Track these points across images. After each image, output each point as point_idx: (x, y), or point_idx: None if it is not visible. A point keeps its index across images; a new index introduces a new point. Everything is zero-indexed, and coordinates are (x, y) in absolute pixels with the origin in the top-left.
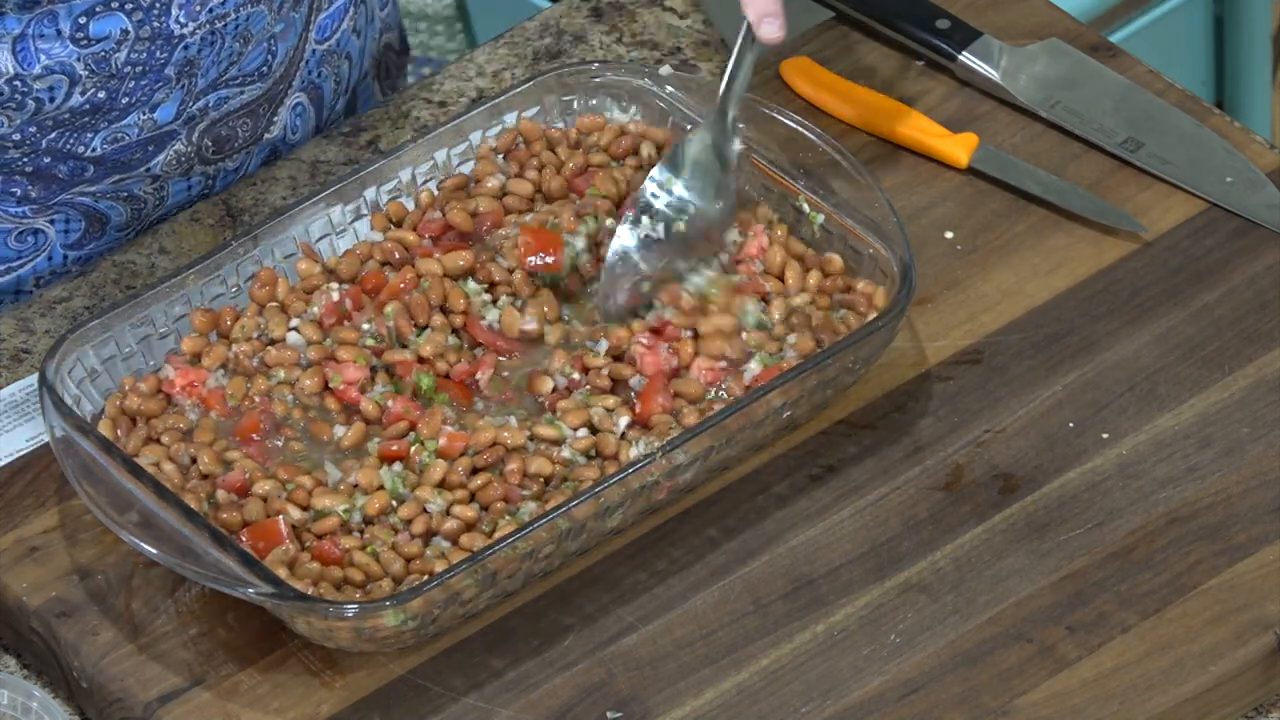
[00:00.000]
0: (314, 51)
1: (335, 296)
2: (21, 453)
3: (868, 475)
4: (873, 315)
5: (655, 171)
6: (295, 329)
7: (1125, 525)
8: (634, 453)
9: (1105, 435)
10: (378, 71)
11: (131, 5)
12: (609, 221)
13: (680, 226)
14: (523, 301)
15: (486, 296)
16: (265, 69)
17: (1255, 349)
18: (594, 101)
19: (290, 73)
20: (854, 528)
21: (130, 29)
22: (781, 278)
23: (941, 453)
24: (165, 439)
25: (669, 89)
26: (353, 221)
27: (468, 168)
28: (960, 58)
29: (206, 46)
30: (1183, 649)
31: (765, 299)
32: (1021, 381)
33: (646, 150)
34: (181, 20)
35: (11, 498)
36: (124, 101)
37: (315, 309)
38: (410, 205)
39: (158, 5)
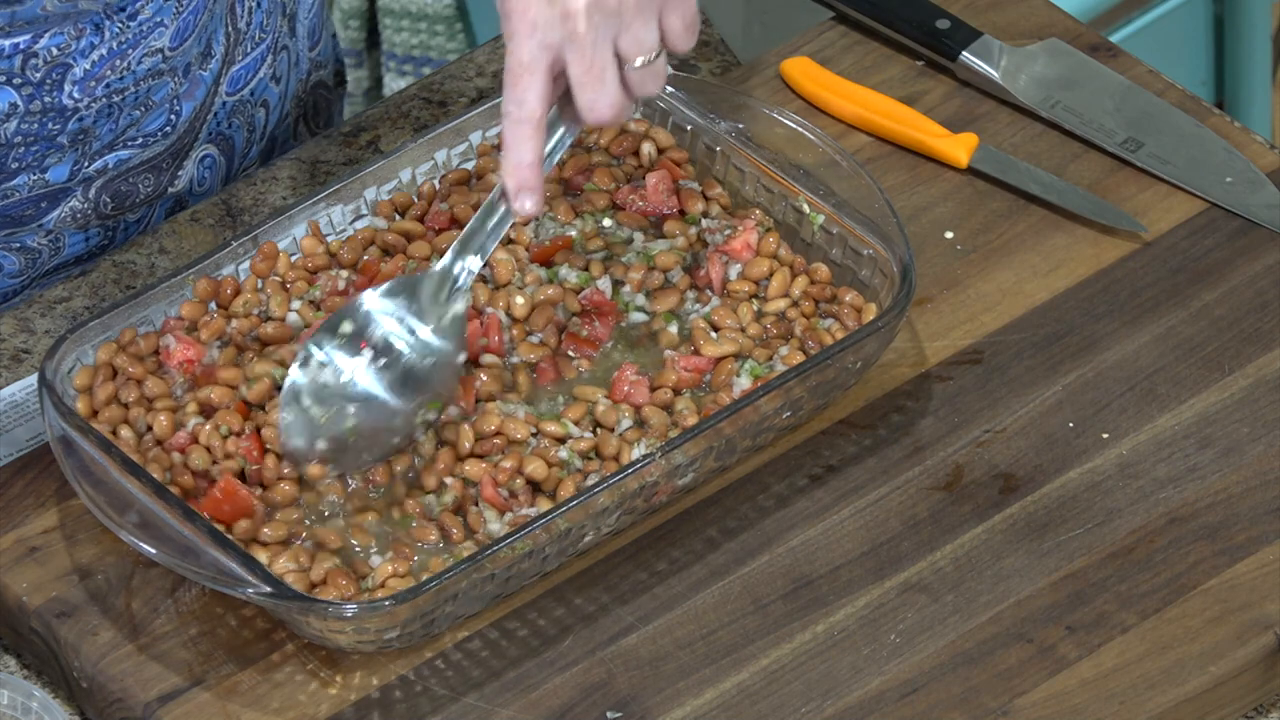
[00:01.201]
0: (224, 104)
1: (341, 285)
2: (21, 453)
3: (868, 475)
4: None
5: (372, 297)
6: (296, 311)
7: (1125, 525)
8: (634, 454)
9: (1105, 435)
10: (304, 111)
11: (20, 80)
12: (606, 221)
13: (413, 360)
14: (496, 285)
15: None
16: (169, 128)
17: (1255, 349)
18: None
19: (196, 127)
20: (854, 528)
21: (19, 103)
22: (757, 282)
23: (941, 453)
24: (130, 404)
25: (669, 89)
26: (353, 221)
27: (468, 166)
28: (960, 58)
29: (103, 117)
30: (1183, 649)
31: (732, 297)
32: (1021, 381)
33: (647, 149)
34: (75, 95)
35: (11, 498)
36: (13, 166)
37: (318, 291)
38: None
39: (49, 81)
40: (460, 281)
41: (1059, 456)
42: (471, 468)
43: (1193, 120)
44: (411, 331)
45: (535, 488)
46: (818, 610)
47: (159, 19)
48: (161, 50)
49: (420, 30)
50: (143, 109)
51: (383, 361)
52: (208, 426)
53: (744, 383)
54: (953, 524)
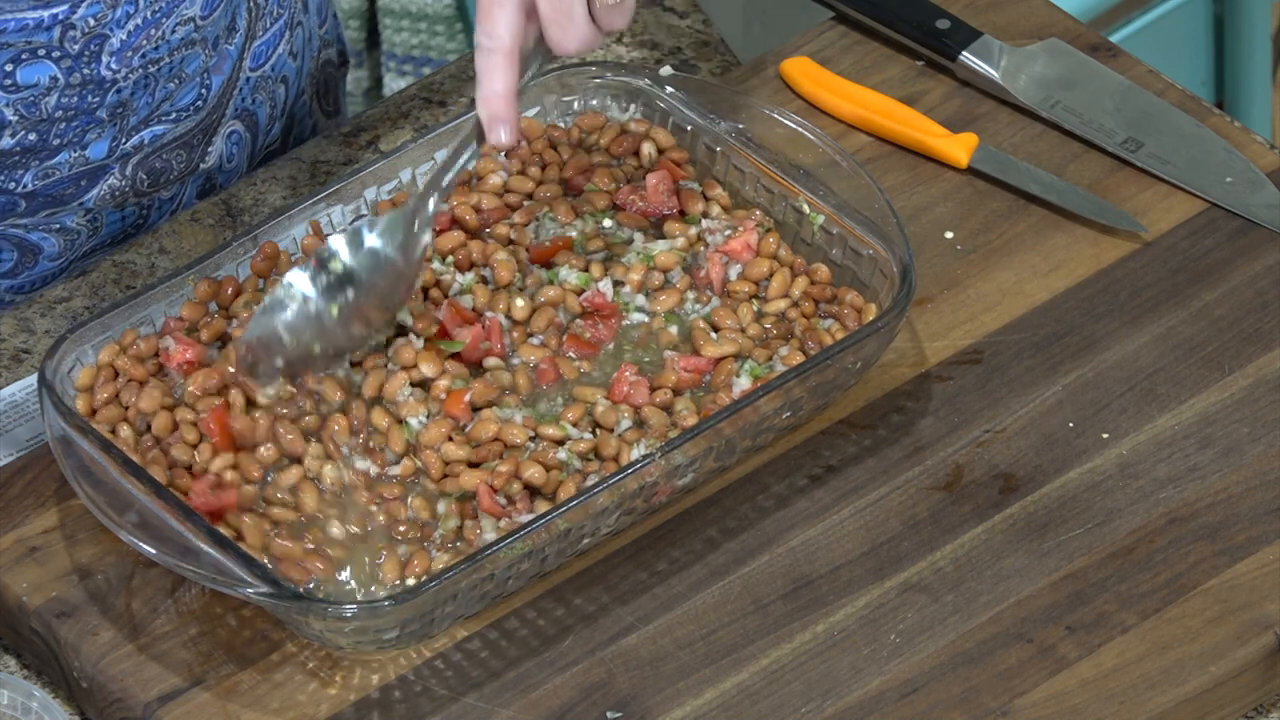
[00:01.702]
0: (248, 79)
1: None
2: (21, 453)
3: (868, 475)
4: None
5: (333, 240)
6: None
7: (1125, 525)
8: (634, 454)
9: (1105, 435)
10: (316, 89)
11: (59, 53)
12: (606, 222)
13: (345, 298)
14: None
15: (458, 275)
16: (200, 102)
17: (1255, 349)
18: (594, 102)
19: (224, 102)
20: (854, 528)
21: (59, 76)
22: (756, 283)
23: (941, 453)
24: (130, 405)
25: (669, 89)
26: (352, 221)
27: (469, 167)
28: (960, 58)
29: (140, 89)
30: (1183, 649)
31: (732, 297)
32: (1021, 381)
33: (648, 149)
34: (113, 67)
35: (11, 498)
36: (55, 143)
37: None
38: None
39: (87, 53)
40: (429, 214)
41: (1059, 456)
42: (466, 479)
43: (1193, 120)
44: (377, 259)
45: (534, 493)
46: (818, 610)
47: None
48: (193, 19)
49: (420, 30)
50: (176, 81)
51: (349, 289)
52: (187, 398)
53: (744, 383)
54: (953, 524)
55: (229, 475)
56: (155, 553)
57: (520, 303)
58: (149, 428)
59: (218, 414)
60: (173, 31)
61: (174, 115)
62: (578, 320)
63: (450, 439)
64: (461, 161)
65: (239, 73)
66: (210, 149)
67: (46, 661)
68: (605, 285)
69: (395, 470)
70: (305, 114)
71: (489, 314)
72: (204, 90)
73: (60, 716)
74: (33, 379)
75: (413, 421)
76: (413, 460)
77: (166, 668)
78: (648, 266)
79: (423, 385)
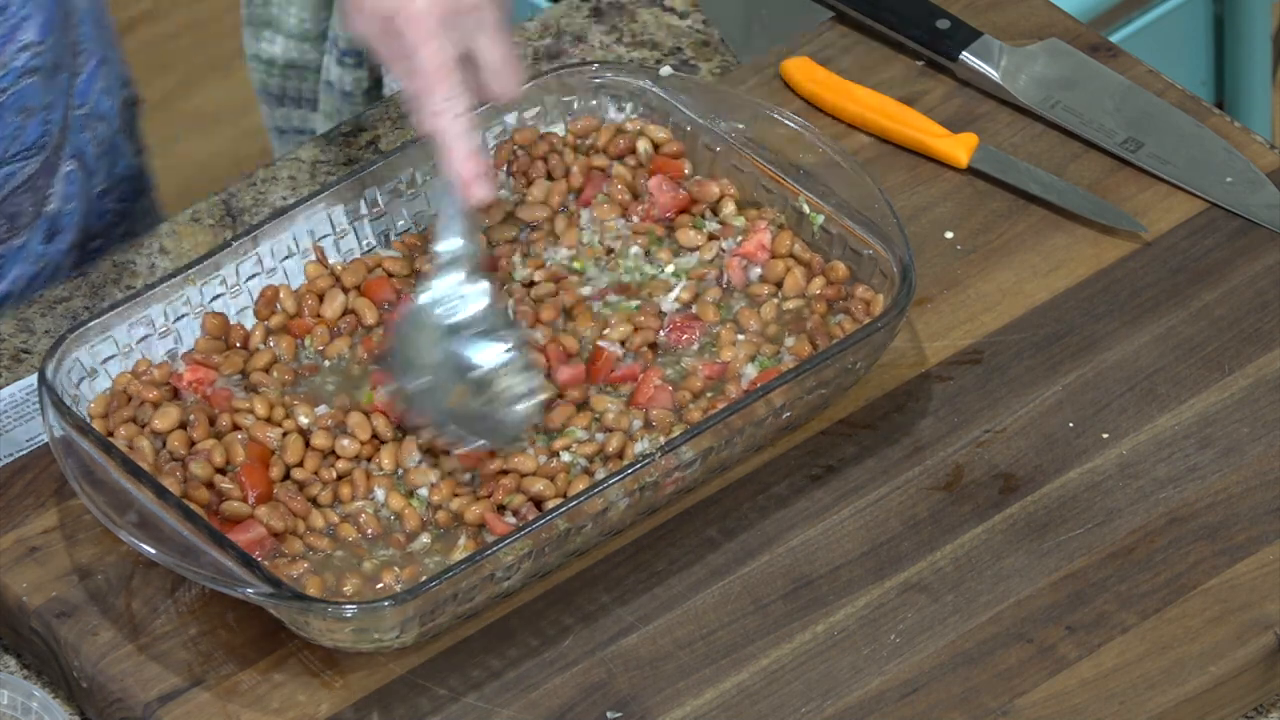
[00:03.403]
0: (75, 116)
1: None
2: (21, 453)
3: (868, 475)
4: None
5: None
6: (307, 351)
7: (1125, 525)
8: (637, 449)
9: (1105, 435)
10: (124, 127)
11: None
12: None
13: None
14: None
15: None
16: (45, 140)
17: (1255, 349)
18: (593, 102)
19: (61, 141)
20: (854, 528)
21: None
22: (778, 284)
23: (941, 453)
24: (143, 422)
25: (669, 89)
26: (352, 222)
27: None
28: (960, 58)
29: None
30: (1183, 649)
31: (757, 299)
32: (1021, 381)
33: (643, 146)
34: None
35: (11, 498)
36: None
37: (311, 343)
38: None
39: None
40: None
41: (1059, 456)
42: (471, 514)
43: (1193, 120)
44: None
45: (539, 505)
46: (818, 610)
47: None
48: (30, 45)
49: None
50: (24, 115)
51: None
52: (218, 455)
53: (752, 372)
54: (953, 524)
55: (275, 524)
56: (155, 553)
57: (623, 328)
58: (164, 444)
59: (250, 470)
60: (13, 58)
61: (22, 155)
62: (665, 336)
63: (457, 494)
64: (466, 214)
65: (69, 110)
66: (51, 191)
67: (46, 661)
68: (669, 305)
69: (415, 546)
70: (120, 154)
71: (602, 344)
72: (46, 126)
73: (60, 716)
74: (33, 379)
75: (423, 492)
76: (430, 526)
77: (166, 668)
78: (688, 278)
79: None
